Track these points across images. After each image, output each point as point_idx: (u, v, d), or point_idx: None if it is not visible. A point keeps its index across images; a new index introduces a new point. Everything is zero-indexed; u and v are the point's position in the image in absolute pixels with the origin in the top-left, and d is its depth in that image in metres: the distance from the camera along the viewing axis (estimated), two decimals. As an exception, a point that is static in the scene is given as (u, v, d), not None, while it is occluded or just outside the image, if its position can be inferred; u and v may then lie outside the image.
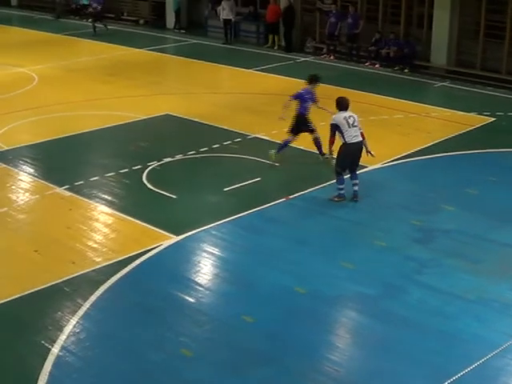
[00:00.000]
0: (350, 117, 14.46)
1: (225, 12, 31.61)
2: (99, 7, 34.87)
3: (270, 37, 31.14)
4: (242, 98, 23.06)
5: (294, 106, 16.85)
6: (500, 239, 13.38)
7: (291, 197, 15.14)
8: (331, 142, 14.77)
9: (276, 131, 18.83)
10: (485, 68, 26.00)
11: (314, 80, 17.00)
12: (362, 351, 10.27)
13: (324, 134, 15.86)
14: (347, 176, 14.90)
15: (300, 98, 16.74)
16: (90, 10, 35.27)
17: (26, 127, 19.92)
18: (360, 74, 26.36)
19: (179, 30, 34.43)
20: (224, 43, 31.72)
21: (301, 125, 16.77)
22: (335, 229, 13.93)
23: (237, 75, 26.51)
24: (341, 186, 14.73)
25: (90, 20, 35.30)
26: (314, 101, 16.82)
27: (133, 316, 11.00)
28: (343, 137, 14.49)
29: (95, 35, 33.82)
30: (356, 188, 14.78)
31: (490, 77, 25.30)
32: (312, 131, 16.88)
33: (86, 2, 37.52)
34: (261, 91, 23.79)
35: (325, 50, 29.54)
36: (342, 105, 14.72)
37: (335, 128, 14.46)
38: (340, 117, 14.44)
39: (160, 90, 23.80)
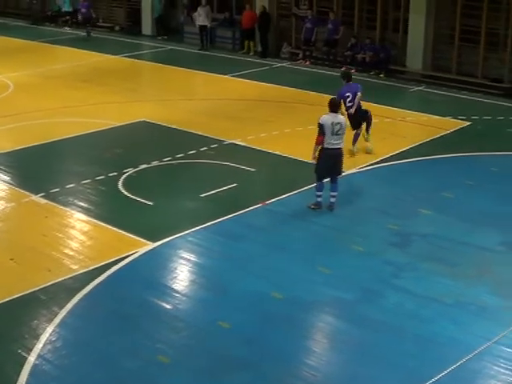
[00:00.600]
0: (337, 124, 14.28)
1: (201, 18, 31.60)
2: (88, 11, 35.10)
3: (246, 43, 31.17)
4: (218, 104, 23.04)
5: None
6: (476, 243, 13.44)
7: (268, 202, 15.13)
8: (319, 142, 14.51)
9: (252, 136, 18.89)
10: (460, 72, 26.15)
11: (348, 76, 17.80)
12: (339, 356, 10.28)
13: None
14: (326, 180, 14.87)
15: (342, 96, 17.10)
16: (79, 15, 35.42)
17: (1, 134, 19.80)
18: (336, 79, 26.17)
19: (162, 37, 34.35)
20: (200, 49, 31.71)
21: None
22: (312, 234, 13.93)
23: (213, 81, 26.49)
24: (319, 193, 14.67)
25: (87, 25, 35.38)
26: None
27: (109, 323, 10.94)
28: (323, 141, 14.40)
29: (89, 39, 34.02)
30: (333, 200, 14.69)
31: (465, 81, 25.46)
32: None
33: (68, 9, 37.45)
34: (237, 97, 23.79)
35: (300, 56, 29.61)
36: (333, 106, 14.60)
37: (321, 127, 14.31)
38: (328, 120, 14.30)
39: (136, 97, 23.74)
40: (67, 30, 36.17)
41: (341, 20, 28.77)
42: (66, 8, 37.72)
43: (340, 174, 14.92)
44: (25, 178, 16.82)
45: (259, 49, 30.63)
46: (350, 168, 16.70)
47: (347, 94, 17.38)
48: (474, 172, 17.11)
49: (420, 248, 13.31)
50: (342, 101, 16.73)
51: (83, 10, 35.40)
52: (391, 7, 27.81)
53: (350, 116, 17.27)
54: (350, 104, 17.32)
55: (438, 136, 19.63)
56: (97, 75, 26.97)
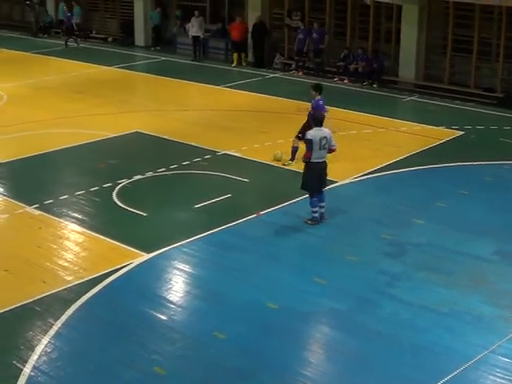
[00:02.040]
0: (323, 138, 14.28)
1: (193, 29, 31.68)
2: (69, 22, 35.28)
3: (235, 55, 31.08)
4: (211, 114, 23.07)
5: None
6: (471, 252, 13.46)
7: (262, 213, 15.14)
8: (307, 156, 14.49)
9: (246, 147, 18.92)
10: (453, 82, 26.26)
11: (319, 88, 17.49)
12: (335, 366, 10.27)
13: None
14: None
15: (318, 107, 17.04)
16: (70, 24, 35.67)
17: (-6, 146, 19.81)
18: (329, 89, 26.29)
19: (155, 48, 34.43)
20: (193, 60, 31.77)
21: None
22: (307, 244, 13.93)
23: (206, 92, 26.53)
24: (314, 209, 14.59)
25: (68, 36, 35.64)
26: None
27: (105, 334, 10.92)
28: (311, 155, 14.36)
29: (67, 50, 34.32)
30: (322, 210, 14.67)
31: (458, 91, 25.54)
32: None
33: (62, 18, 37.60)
34: (230, 108, 23.82)
35: (293, 66, 29.68)
36: (318, 121, 14.59)
37: (310, 143, 14.30)
38: (317, 136, 14.27)
39: (129, 108, 23.76)
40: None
41: (326, 29, 28.87)
42: (61, 17, 37.71)
43: (326, 185, 14.94)
44: (18, 189, 16.81)
45: (252, 59, 30.68)
46: (343, 178, 16.73)
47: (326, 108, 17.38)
48: (468, 181, 17.15)
49: (414, 257, 13.32)
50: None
51: (65, 21, 35.67)
52: (383, 18, 27.91)
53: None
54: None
55: (432, 146, 19.67)
56: (90, 86, 26.99)
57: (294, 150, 17.60)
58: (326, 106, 17.40)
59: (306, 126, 17.10)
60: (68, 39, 35.65)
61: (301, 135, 17.10)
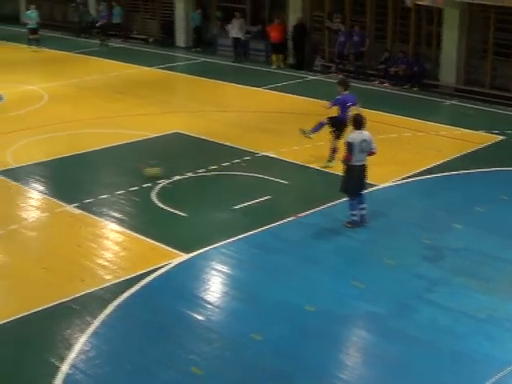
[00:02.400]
0: (363, 141, 14.20)
1: (234, 30, 31.75)
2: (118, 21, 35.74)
3: (274, 57, 31.09)
4: (251, 116, 23.09)
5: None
6: (510, 258, 13.32)
7: (301, 215, 15.11)
8: (348, 159, 14.44)
9: (285, 149, 18.89)
10: (494, 86, 26.02)
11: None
12: (371, 370, 10.21)
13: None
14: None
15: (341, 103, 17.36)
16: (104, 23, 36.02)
17: (37, 145, 19.96)
18: (369, 92, 26.35)
19: (195, 49, 34.53)
20: (233, 61, 31.81)
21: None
22: (345, 247, 13.90)
23: (246, 93, 26.56)
24: (353, 212, 14.53)
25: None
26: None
27: (142, 334, 10.97)
28: (351, 158, 14.31)
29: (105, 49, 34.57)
30: (364, 212, 14.61)
31: (499, 95, 25.32)
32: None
33: (117, 21, 37.88)
34: (270, 109, 23.82)
35: (333, 69, 29.62)
36: (360, 123, 14.50)
37: (350, 146, 14.23)
38: (357, 138, 14.20)
39: (169, 108, 23.85)
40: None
41: (366, 32, 28.79)
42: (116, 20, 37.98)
43: (366, 188, 14.87)
44: (59, 188, 16.96)
45: (291, 61, 30.66)
46: (383, 181, 16.66)
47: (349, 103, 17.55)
48: (508, 187, 16.96)
49: (453, 262, 13.22)
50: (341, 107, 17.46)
51: (101, 20, 36.17)
52: (424, 21, 27.75)
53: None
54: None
55: (472, 150, 19.52)
56: (131, 87, 27.15)
57: (334, 151, 17.58)
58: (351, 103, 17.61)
59: (333, 118, 17.24)
60: (104, 39, 35.87)
61: (328, 121, 17.70)
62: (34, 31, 35.79)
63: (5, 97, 25.48)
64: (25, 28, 36.95)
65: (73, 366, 10.09)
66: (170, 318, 11.34)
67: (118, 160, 18.94)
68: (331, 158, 17.63)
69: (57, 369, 10.00)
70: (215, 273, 12.86)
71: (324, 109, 17.92)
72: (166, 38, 36.26)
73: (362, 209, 14.61)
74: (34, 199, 16.22)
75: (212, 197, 16.23)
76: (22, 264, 13.20)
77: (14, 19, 42.73)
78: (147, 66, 31.08)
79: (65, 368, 10.02)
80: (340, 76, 28.02)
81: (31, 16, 36.02)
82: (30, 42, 35.81)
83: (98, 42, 36.25)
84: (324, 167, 17.62)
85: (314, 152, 18.39)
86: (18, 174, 17.57)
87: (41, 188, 16.80)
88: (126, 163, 18.60)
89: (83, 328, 11.00)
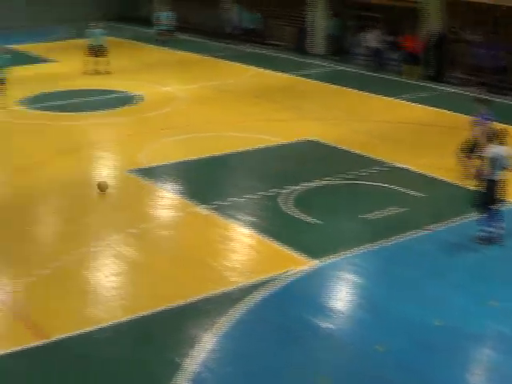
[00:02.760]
0: (501, 156, 13.72)
1: (371, 40, 31.55)
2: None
3: (408, 67, 30.63)
4: (384, 126, 22.84)
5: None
6: None
7: (432, 228, 14.84)
8: (484, 173, 14.07)
9: (421, 161, 18.57)
10: None
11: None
12: (500, 392, 9.93)
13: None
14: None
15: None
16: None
17: (171, 145, 20.37)
18: (509, 108, 25.58)
19: (331, 57, 34.51)
20: (369, 71, 31.60)
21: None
22: (478, 264, 13.55)
23: (381, 103, 26.26)
24: (487, 228, 14.11)
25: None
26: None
27: (267, 338, 10.98)
28: (492, 173, 13.96)
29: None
30: (499, 230, 14.18)
31: None
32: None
33: (248, 26, 38.43)
34: (406, 120, 23.47)
35: (472, 82, 28.99)
36: (500, 138, 14.11)
37: (488, 160, 13.87)
38: (495, 153, 13.85)
39: (302, 115, 23.87)
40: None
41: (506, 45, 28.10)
42: (246, 24, 38.42)
43: (502, 204, 14.44)
44: (191, 188, 17.21)
45: (428, 72, 30.23)
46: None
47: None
48: None
49: None
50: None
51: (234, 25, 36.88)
52: None
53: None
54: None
55: None
56: (266, 91, 27.34)
57: (477, 172, 17.09)
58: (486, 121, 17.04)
59: (471, 141, 16.77)
60: (229, 42, 36.25)
61: (465, 148, 16.90)
62: (164, 32, 36.72)
63: (146, 97, 26.08)
64: (155, 29, 37.81)
65: (197, 364, 10.20)
66: (295, 323, 11.32)
67: (249, 164, 19.09)
68: (469, 174, 17.15)
69: (180, 366, 10.13)
70: (342, 282, 12.79)
71: (468, 125, 17.45)
72: (302, 44, 36.33)
73: (498, 226, 14.22)
74: (167, 199, 16.52)
75: (342, 205, 16.15)
76: (154, 262, 13.45)
77: (150, 21, 43.66)
78: (282, 71, 31.20)
79: (189, 366, 10.14)
80: (479, 90, 27.47)
81: (162, 17, 36.89)
82: (157, 43, 36.87)
83: (233, 46, 36.71)
84: (459, 181, 17.22)
85: (449, 165, 18.02)
86: (153, 174, 17.96)
87: (174, 188, 17.10)
88: (257, 167, 18.74)
89: (209, 328, 11.12)
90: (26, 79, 29.31)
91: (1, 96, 24.75)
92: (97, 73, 30.22)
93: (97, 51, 30.46)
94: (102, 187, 16.67)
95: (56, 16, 44.60)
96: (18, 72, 30.14)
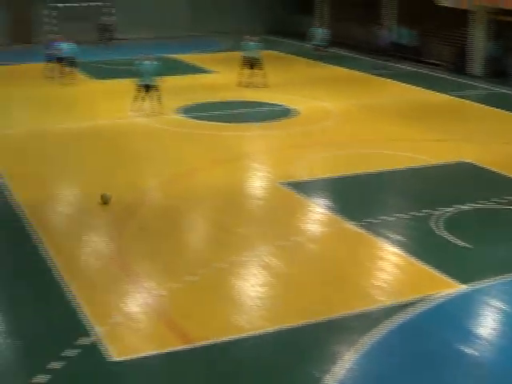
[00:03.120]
0: None
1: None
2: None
3: None
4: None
5: None
6: None
7: None
8: None
9: None
10: None
11: None
12: None
13: None
14: None
15: None
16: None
17: (325, 160, 20.53)
18: None
19: (491, 79, 33.81)
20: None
21: None
22: None
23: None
24: None
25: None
26: None
27: (409, 361, 10.86)
28: None
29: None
30: None
31: None
32: None
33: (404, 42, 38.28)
34: None
35: None
36: None
37: None
38: None
39: (455, 136, 23.38)
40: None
41: None
42: (403, 42, 38.28)
43: None
44: (342, 205, 17.22)
45: None
46: None
47: None
48: None
49: None
50: None
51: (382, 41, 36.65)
52: None
53: None
54: None
55: None
56: (420, 111, 27.09)
57: None
58: None
59: None
60: (386, 59, 36.06)
61: None
62: (319, 47, 37.07)
63: (300, 112, 26.34)
64: (311, 44, 38.09)
65: (337, 381, 10.20)
66: (438, 347, 11.16)
67: (400, 183, 19.00)
68: None
69: (318, 381, 10.17)
70: (490, 308, 12.50)
71: None
72: (460, 64, 35.77)
73: None
74: (317, 213, 16.63)
75: (494, 230, 15.78)
76: (303, 275, 13.57)
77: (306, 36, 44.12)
78: (437, 91, 30.81)
79: (329, 382, 10.15)
80: None
81: (316, 33, 37.17)
82: (312, 57, 37.76)
83: (388, 63, 36.57)
84: None
85: None
86: (304, 188, 18.14)
87: (324, 203, 17.19)
88: (408, 187, 18.60)
89: (351, 345, 11.11)
90: (186, 88, 30.28)
91: (156, 103, 25.54)
92: (252, 85, 30.72)
93: (252, 64, 30.96)
94: (104, 199, 16.84)
95: (218, 27, 45.99)
96: (178, 81, 31.27)
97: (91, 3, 44.30)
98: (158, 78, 25.55)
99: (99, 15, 43.64)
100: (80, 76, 33.27)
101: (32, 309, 12.32)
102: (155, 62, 25.78)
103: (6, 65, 37.45)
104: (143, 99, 25.56)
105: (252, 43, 31.37)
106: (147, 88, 25.49)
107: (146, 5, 45.62)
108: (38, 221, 15.96)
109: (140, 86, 25.59)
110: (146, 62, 25.58)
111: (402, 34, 38.92)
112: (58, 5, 43.75)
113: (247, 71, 31.07)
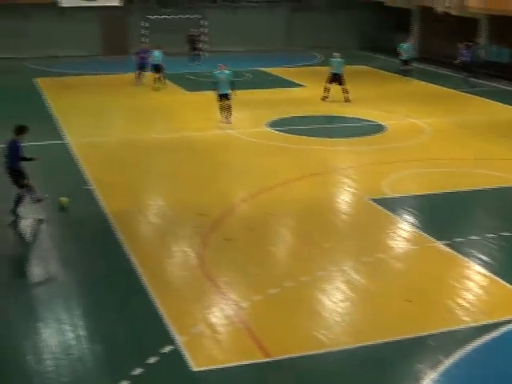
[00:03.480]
0: None
1: None
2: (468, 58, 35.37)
3: None
4: None
5: None
6: None
7: None
8: None
9: None
10: None
11: None
12: None
13: None
14: None
15: None
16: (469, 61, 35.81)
17: (414, 177, 20.35)
18: None
19: None
20: None
21: None
22: None
23: None
24: None
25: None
26: None
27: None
28: None
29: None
30: None
31: None
32: None
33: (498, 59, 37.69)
34: None
35: None
36: None
37: None
38: None
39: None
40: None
41: None
42: (494, 59, 37.64)
43: None
44: (429, 223, 17.04)
45: None
46: None
47: None
48: None
49: None
50: None
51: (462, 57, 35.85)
52: None
53: None
54: None
55: None
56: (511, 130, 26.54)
57: None
58: None
59: None
60: (468, 75, 35.54)
61: None
62: (404, 63, 36.83)
63: (388, 128, 26.17)
64: (399, 59, 37.87)
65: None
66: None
67: (490, 202, 18.68)
68: None
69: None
70: None
71: None
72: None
73: None
74: (404, 231, 16.47)
75: None
76: (385, 292, 13.47)
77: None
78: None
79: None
80: None
81: (403, 48, 37.01)
82: (402, 72, 37.30)
83: (478, 80, 36.01)
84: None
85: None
86: (392, 204, 18.00)
87: (412, 220, 17.01)
88: (499, 206, 18.28)
89: (434, 365, 10.97)
90: (276, 102, 30.47)
91: (228, 113, 25.89)
92: (336, 100, 30.65)
93: (335, 79, 30.97)
94: (61, 204, 17.38)
95: (315, 42, 46.47)
96: (269, 95, 31.47)
97: (182, 16, 45.00)
98: (230, 88, 25.83)
99: (189, 27, 44.22)
100: (170, 87, 33.94)
101: (118, 315, 12.52)
102: (227, 71, 25.99)
103: (101, 74, 38.27)
104: (228, 109, 25.96)
105: (334, 59, 31.37)
106: (225, 97, 25.84)
107: (239, 18, 46.17)
108: (126, 229, 16.22)
109: (219, 96, 26.00)
110: (225, 72, 25.90)
111: (494, 52, 38.29)
112: (151, 17, 44.58)
113: (330, 86, 31.09)
